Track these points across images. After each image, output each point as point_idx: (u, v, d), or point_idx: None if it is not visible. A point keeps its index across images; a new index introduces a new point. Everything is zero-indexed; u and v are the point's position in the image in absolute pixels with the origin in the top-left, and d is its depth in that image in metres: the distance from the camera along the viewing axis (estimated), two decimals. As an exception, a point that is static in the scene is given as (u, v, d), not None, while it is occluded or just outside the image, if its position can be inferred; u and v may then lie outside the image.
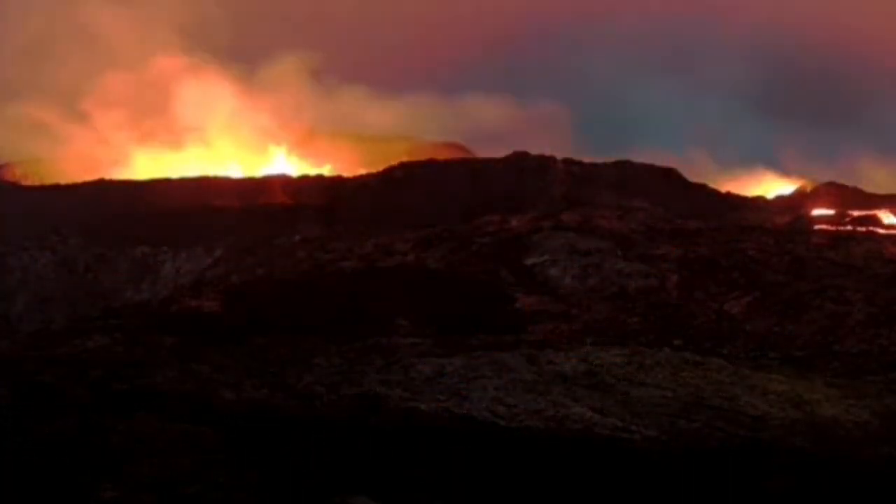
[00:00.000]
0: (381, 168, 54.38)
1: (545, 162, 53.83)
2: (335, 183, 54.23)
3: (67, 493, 11.39)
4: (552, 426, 17.89)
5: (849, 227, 44.90)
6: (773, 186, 62.41)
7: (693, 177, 56.50)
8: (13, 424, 14.55)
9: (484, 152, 61.64)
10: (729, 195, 55.38)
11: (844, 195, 55.09)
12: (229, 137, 67.15)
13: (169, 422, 15.19)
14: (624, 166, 54.85)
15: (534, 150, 54.92)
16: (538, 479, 13.22)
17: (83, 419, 14.56)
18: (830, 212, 50.64)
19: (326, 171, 60.96)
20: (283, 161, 65.86)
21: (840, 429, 19.16)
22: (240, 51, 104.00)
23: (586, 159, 55.39)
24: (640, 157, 58.84)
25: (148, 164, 63.03)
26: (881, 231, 43.91)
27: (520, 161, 53.37)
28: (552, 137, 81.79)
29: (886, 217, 48.56)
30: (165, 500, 11.30)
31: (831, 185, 58.42)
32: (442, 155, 57.17)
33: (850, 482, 14.81)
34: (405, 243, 40.92)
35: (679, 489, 13.65)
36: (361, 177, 54.35)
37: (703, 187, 55.12)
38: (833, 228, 44.57)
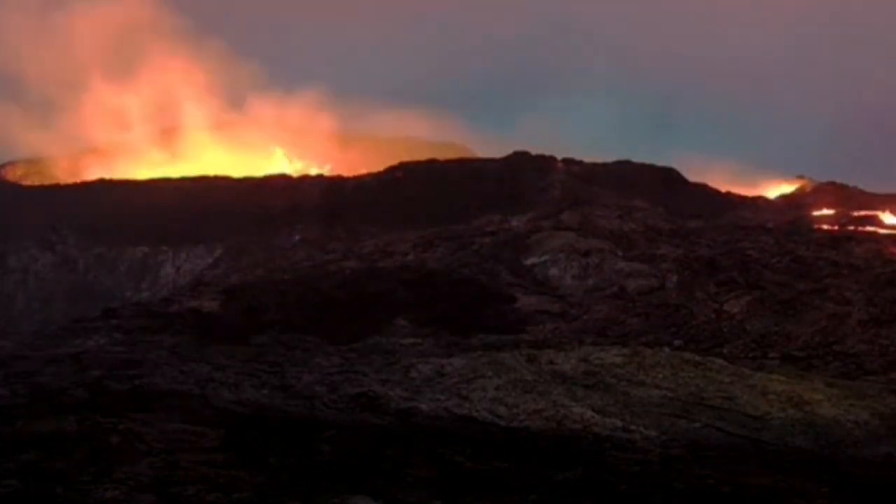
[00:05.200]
0: (381, 168, 54.39)
1: (545, 162, 53.82)
2: (335, 183, 54.21)
3: (67, 493, 11.39)
4: (552, 426, 17.90)
5: (849, 227, 44.86)
6: (773, 187, 62.39)
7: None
8: (13, 424, 14.57)
9: (484, 152, 61.73)
10: (729, 195, 55.32)
11: (844, 195, 55.08)
12: (229, 137, 67.24)
13: (169, 422, 15.20)
14: (624, 166, 54.85)
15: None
16: (538, 479, 13.23)
17: (83, 419, 14.57)
18: (830, 212, 50.64)
19: (326, 171, 61.00)
20: (284, 161, 65.93)
21: (840, 429, 19.15)
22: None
23: (587, 159, 55.46)
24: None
25: (146, 164, 63.12)
26: (881, 231, 43.89)
27: (520, 161, 53.36)
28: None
29: (886, 217, 48.59)
30: (165, 500, 11.30)
31: (831, 184, 58.41)
32: (442, 155, 57.15)
33: (850, 482, 14.82)
34: (405, 243, 40.93)
35: (678, 489, 13.66)
36: (361, 177, 54.34)
37: (703, 187, 55.09)
38: (833, 228, 44.55)
